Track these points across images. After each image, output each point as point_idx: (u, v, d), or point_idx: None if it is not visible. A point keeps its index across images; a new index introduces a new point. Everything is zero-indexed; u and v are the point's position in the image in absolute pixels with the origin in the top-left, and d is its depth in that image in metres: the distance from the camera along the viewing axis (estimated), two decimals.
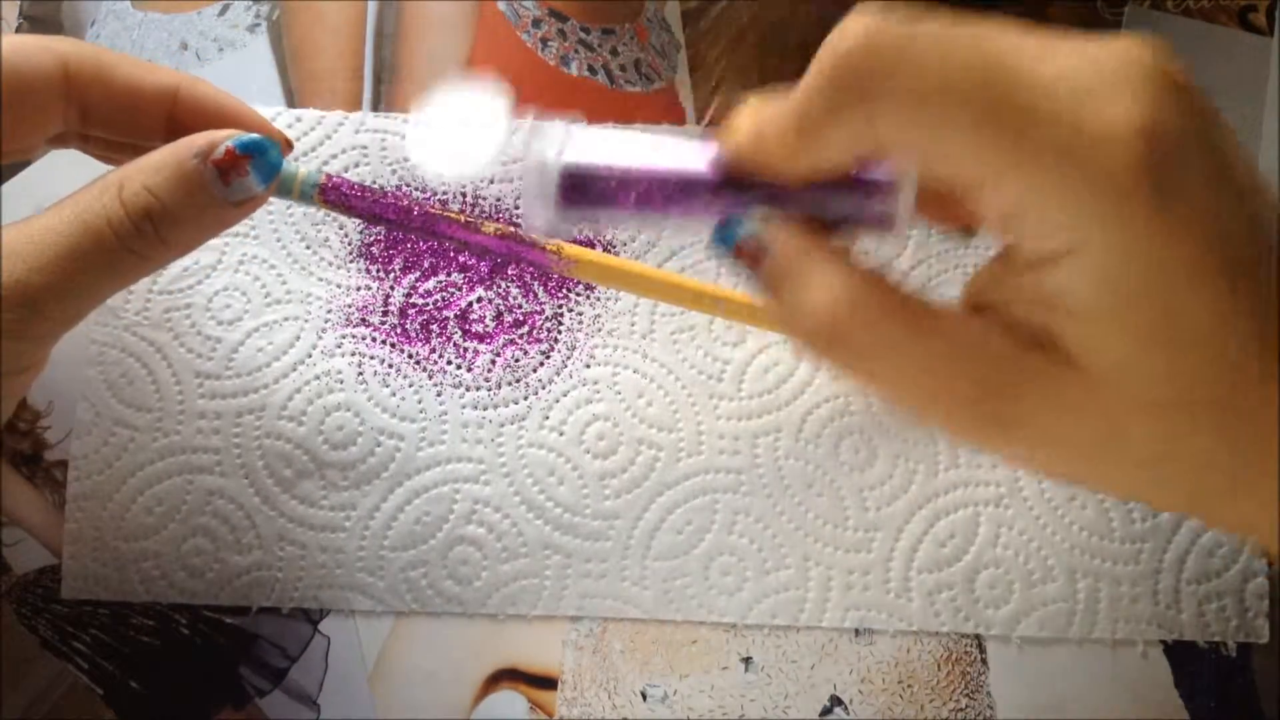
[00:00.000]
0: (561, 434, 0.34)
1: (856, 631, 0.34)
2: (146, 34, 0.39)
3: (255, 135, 0.26)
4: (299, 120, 0.37)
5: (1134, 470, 0.21)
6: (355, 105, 0.37)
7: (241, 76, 0.38)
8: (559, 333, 0.35)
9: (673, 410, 0.35)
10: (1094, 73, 0.18)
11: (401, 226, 0.29)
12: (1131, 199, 0.18)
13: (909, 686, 0.33)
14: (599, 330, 0.35)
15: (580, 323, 0.35)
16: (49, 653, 0.33)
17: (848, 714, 0.33)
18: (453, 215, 0.29)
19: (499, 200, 0.36)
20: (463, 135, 0.23)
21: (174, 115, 0.28)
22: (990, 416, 0.20)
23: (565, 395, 0.35)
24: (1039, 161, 0.18)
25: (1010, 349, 0.20)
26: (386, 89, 0.38)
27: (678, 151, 0.22)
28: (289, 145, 0.29)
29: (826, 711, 0.33)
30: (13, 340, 0.25)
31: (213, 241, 0.35)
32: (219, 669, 0.33)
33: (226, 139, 0.26)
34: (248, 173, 0.26)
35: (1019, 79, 0.18)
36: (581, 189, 0.22)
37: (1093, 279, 0.18)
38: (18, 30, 0.39)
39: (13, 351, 0.26)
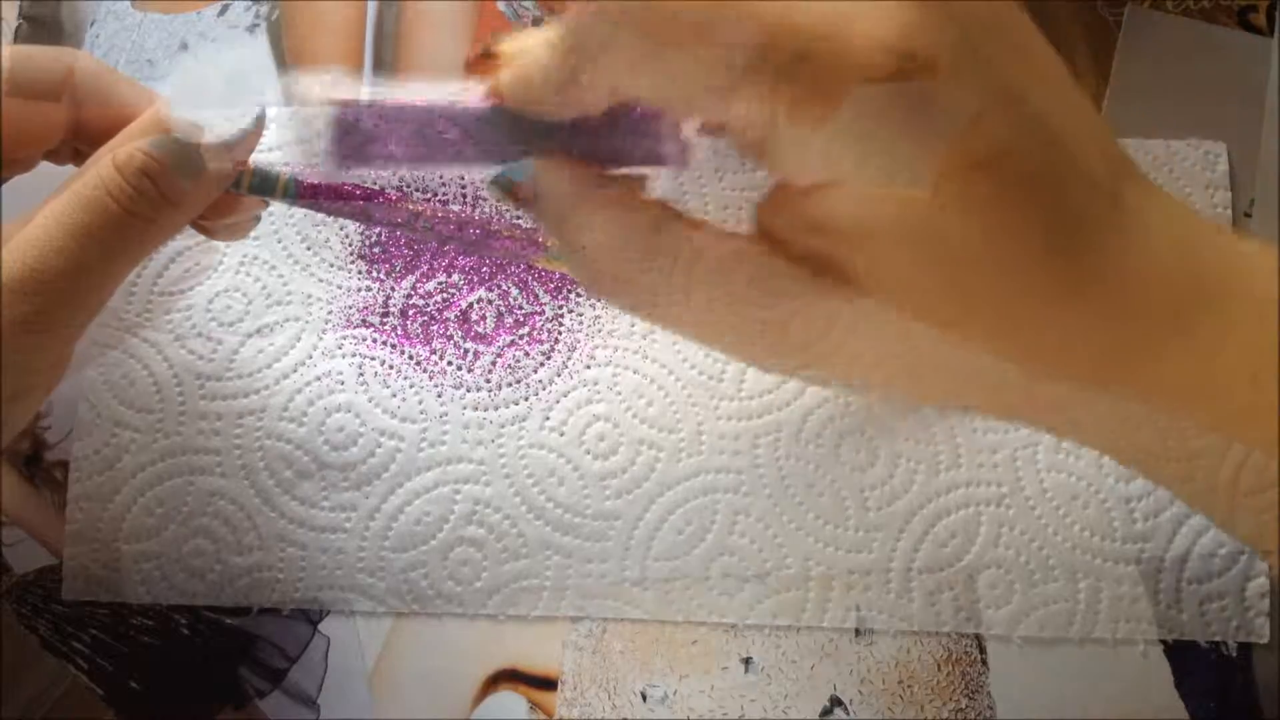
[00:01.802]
0: (562, 435, 0.34)
1: (857, 631, 0.34)
2: (146, 34, 0.39)
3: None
4: None
5: (933, 382, 0.21)
6: None
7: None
8: (559, 333, 0.35)
9: (673, 410, 0.35)
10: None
11: (383, 222, 0.28)
12: (884, 119, 0.17)
13: (909, 687, 0.33)
14: (599, 331, 0.35)
15: (581, 323, 0.35)
16: (49, 653, 0.33)
17: (848, 714, 0.33)
18: (421, 210, 0.28)
19: (499, 201, 0.36)
20: (221, 92, 0.23)
21: None
22: (781, 345, 0.20)
23: (566, 396, 0.35)
24: (778, 98, 0.17)
25: (795, 277, 0.20)
26: None
27: (454, 92, 0.21)
28: None
29: (826, 712, 0.33)
30: (34, 333, 0.25)
31: (213, 243, 0.36)
32: (219, 669, 0.33)
33: None
34: None
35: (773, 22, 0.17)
36: (354, 133, 0.21)
37: (857, 203, 0.18)
38: (17, 30, 0.39)
39: (35, 345, 0.25)
